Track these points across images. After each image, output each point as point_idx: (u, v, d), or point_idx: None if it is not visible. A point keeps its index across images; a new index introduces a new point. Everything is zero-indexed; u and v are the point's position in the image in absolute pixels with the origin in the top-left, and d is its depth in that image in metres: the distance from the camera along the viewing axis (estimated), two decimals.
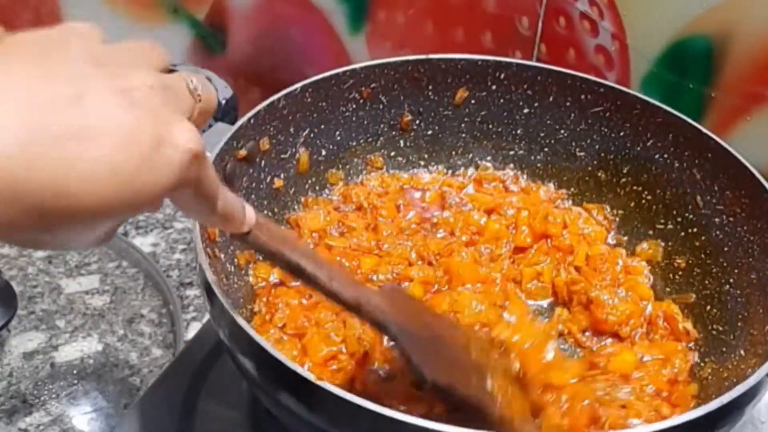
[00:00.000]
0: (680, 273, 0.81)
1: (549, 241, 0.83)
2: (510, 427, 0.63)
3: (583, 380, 0.69)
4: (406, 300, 0.71)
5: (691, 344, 0.76)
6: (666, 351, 0.74)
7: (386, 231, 0.83)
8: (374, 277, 0.79)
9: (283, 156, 0.82)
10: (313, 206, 0.84)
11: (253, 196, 0.79)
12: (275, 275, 0.77)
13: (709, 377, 0.72)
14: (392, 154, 0.89)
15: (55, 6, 1.16)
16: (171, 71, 0.83)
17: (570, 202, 0.88)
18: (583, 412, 0.66)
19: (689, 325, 0.76)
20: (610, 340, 0.76)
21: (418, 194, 0.88)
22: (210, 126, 0.80)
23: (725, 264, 0.77)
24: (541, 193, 0.88)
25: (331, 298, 0.61)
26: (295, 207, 0.84)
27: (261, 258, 0.78)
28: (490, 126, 0.89)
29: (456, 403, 0.62)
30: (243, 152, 0.76)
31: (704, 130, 0.78)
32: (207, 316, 0.89)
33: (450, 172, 0.90)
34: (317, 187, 0.86)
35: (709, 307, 0.77)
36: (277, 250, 0.58)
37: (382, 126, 0.88)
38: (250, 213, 0.55)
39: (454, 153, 0.90)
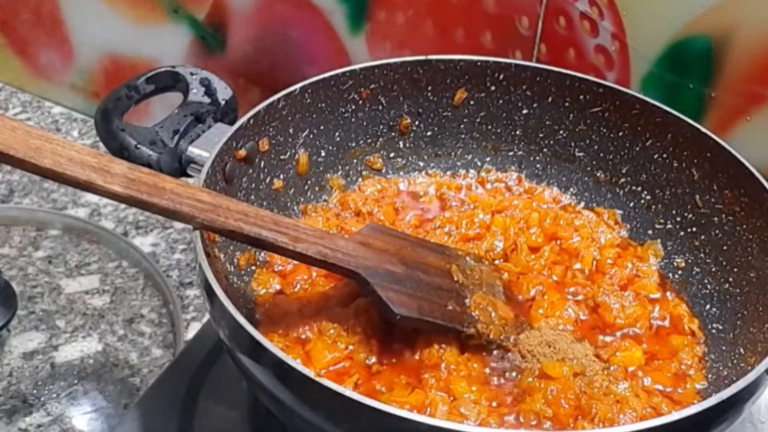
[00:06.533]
0: (680, 272, 0.81)
1: (559, 242, 0.83)
2: (486, 338, 0.71)
3: (578, 376, 0.69)
4: (385, 235, 0.74)
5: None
6: (673, 345, 0.74)
7: None
8: None
9: (282, 157, 0.82)
10: (311, 213, 0.84)
11: (252, 197, 0.79)
12: (277, 284, 0.77)
13: (709, 376, 0.72)
14: (391, 155, 0.89)
15: (55, 6, 1.16)
16: (173, 72, 0.83)
17: (582, 204, 0.88)
18: (569, 403, 0.66)
19: (695, 326, 0.76)
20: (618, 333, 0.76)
21: (418, 196, 0.88)
22: (210, 126, 0.80)
23: (724, 263, 0.77)
24: (545, 195, 0.88)
25: (298, 259, 0.67)
26: (295, 208, 0.84)
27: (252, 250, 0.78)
28: (489, 127, 0.89)
29: (429, 329, 0.69)
30: (242, 153, 0.76)
31: (703, 130, 0.78)
32: (207, 316, 0.89)
33: (449, 173, 0.90)
34: (317, 189, 0.86)
35: (708, 306, 0.78)
36: (236, 227, 0.62)
37: (381, 127, 0.88)
38: None
39: (453, 154, 0.90)
